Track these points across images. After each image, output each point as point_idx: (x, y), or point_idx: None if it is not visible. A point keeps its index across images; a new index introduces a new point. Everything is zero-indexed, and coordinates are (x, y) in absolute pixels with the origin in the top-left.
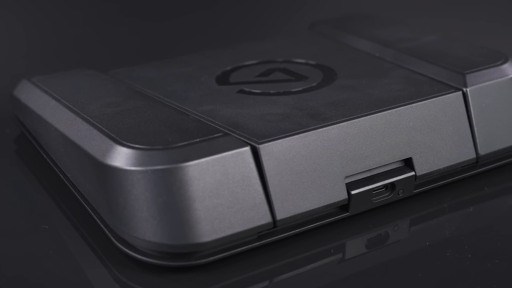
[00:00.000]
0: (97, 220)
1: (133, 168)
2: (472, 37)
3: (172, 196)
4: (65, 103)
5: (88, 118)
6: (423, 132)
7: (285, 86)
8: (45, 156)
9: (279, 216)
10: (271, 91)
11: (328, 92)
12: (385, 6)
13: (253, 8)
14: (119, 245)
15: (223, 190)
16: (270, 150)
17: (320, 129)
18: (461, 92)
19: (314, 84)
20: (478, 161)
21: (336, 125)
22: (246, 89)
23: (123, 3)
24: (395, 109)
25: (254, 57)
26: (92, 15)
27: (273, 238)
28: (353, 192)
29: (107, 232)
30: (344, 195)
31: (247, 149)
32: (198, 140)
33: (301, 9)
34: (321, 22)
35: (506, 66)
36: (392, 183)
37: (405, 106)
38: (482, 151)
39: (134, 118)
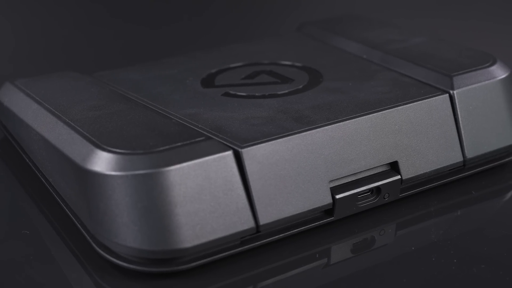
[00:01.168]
0: (78, 225)
1: (113, 173)
2: (464, 37)
3: (153, 201)
4: (47, 106)
5: (69, 121)
6: (409, 135)
7: (270, 89)
8: (27, 160)
9: (262, 221)
10: (256, 94)
11: (314, 95)
12: (378, 6)
13: (242, 9)
14: (100, 250)
15: (205, 195)
16: (253, 154)
17: (304, 133)
18: (447, 94)
19: (300, 86)
20: (465, 164)
21: (320, 129)
22: (231, 92)
23: (111, 5)
24: (381, 112)
25: (241, 59)
26: (81, 17)
27: (257, 243)
28: (337, 196)
29: (88, 237)
30: (329, 200)
31: (229, 153)
32: (179, 144)
33: (290, 10)
34: (309, 23)
35: (494, 68)
36: (377, 187)
37: (390, 109)
38: (469, 154)
39: (116, 121)
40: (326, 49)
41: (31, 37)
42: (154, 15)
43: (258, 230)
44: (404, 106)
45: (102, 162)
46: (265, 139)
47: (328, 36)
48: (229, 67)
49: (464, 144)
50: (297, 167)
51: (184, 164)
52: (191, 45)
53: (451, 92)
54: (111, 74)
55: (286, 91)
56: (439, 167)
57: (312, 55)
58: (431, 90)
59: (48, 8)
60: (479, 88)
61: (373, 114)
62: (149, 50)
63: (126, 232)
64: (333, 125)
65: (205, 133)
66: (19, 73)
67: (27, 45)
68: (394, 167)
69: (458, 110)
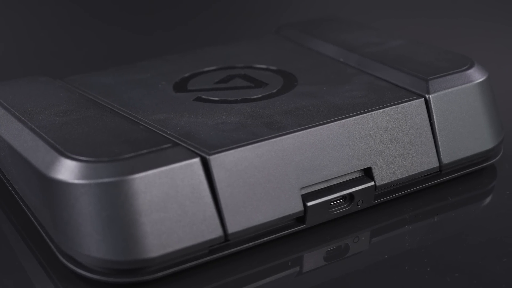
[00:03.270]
0: (43, 234)
1: (76, 181)
2: (446, 39)
3: (117, 210)
4: (14, 112)
5: (35, 128)
6: (383, 141)
7: (243, 93)
8: None
9: (231, 229)
10: (229, 99)
11: (287, 100)
12: (363, 8)
13: (219, 10)
14: (64, 260)
15: (171, 203)
16: (221, 161)
17: (274, 139)
18: (423, 99)
19: (274, 91)
20: (441, 170)
21: (291, 135)
22: (204, 97)
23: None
24: (354, 117)
25: (216, 62)
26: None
27: (226, 252)
28: (309, 203)
29: (52, 247)
30: (300, 207)
31: (196, 160)
32: (145, 151)
33: (272, 11)
34: (287, 25)
35: (471, 71)
36: (350, 194)
37: (364, 114)
38: (446, 159)
39: (83, 128)
40: (303, 52)
41: (4, 41)
42: (134, 19)
43: (226, 238)
44: (378, 111)
45: (66, 170)
46: (234, 146)
47: (306, 38)
48: (203, 71)
49: (440, 149)
50: (267, 174)
51: (149, 172)
52: (168, 49)
53: (426, 96)
54: (82, 78)
55: (259, 95)
56: (414, 173)
57: (289, 58)
58: (407, 95)
59: (24, 11)
60: (455, 92)
61: (346, 119)
62: (126, 53)
63: (90, 242)
64: (304, 130)
65: (173, 139)
66: None
67: (3, 49)
68: (367, 173)
69: (434, 115)
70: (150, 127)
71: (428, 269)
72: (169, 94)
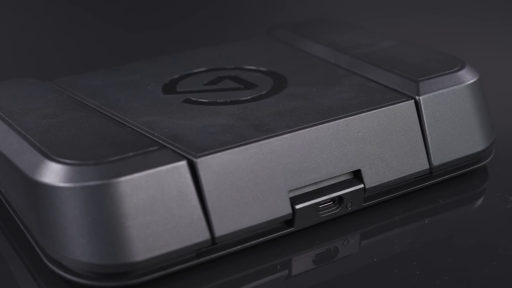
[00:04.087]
0: (29, 237)
1: (62, 184)
2: (439, 40)
3: (102, 214)
4: (0, 114)
5: (21, 130)
6: (373, 143)
7: (233, 95)
8: None
9: (218, 233)
10: (218, 100)
11: (276, 101)
12: (356, 9)
13: (211, 11)
14: (50, 264)
15: (158, 206)
16: (208, 163)
17: (262, 141)
18: (413, 100)
19: (263, 92)
20: (431, 172)
21: (279, 137)
22: (193, 98)
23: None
24: (343, 119)
25: (206, 63)
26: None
27: (213, 255)
28: (297, 206)
29: (38, 250)
30: (288, 210)
31: (183, 163)
32: (131, 154)
33: (266, 12)
34: (278, 26)
35: (462, 72)
36: (339, 197)
37: (353, 116)
38: (436, 161)
39: (69, 130)
40: (293, 53)
41: None
42: (125, 19)
43: (214, 242)
44: (368, 112)
45: (51, 173)
46: (222, 148)
47: (296, 39)
48: (192, 72)
49: (430, 151)
50: (255, 177)
51: (135, 175)
52: (159, 50)
53: (417, 98)
54: (71, 79)
55: (249, 97)
56: (404, 175)
57: (279, 60)
58: (397, 96)
59: (15, 12)
60: (446, 94)
61: (335, 121)
62: (117, 54)
63: (75, 246)
64: (293, 133)
65: (160, 142)
66: None
67: None
68: (357, 175)
69: (424, 116)
70: (137, 130)
71: (418, 272)
72: (158, 95)
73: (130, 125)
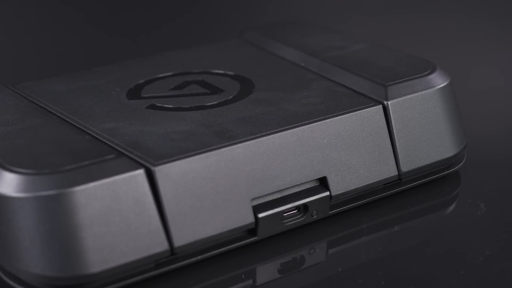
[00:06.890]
0: None
1: (14, 194)
2: (414, 43)
3: (55, 224)
4: None
5: None
6: (339, 149)
7: (198, 100)
8: None
9: (177, 243)
10: (183, 106)
11: (241, 107)
12: (333, 11)
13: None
14: (3, 276)
15: (114, 216)
16: (167, 172)
17: (224, 149)
18: (381, 105)
19: (229, 97)
20: (400, 178)
21: (241, 144)
22: (157, 104)
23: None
24: (308, 125)
25: (173, 68)
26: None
27: (173, 266)
28: (260, 215)
29: None
30: (251, 219)
31: (140, 172)
32: (87, 163)
33: (240, 14)
34: (249, 29)
35: (432, 76)
36: (304, 204)
37: (319, 122)
38: (405, 167)
39: (26, 138)
40: (263, 56)
41: None
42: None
43: (173, 252)
44: (334, 118)
45: (4, 182)
46: (181, 156)
47: (267, 42)
48: (159, 76)
49: (399, 157)
50: (216, 185)
51: (90, 185)
52: (129, 54)
53: (385, 102)
54: (35, 84)
55: (214, 102)
56: (372, 182)
57: (248, 63)
58: (364, 101)
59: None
60: (415, 98)
61: (299, 127)
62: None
63: (28, 258)
64: (256, 139)
65: (119, 149)
66: None
67: None
68: (323, 183)
69: (393, 122)
70: (97, 136)
71: (383, 282)
72: (122, 101)
73: (90, 132)
